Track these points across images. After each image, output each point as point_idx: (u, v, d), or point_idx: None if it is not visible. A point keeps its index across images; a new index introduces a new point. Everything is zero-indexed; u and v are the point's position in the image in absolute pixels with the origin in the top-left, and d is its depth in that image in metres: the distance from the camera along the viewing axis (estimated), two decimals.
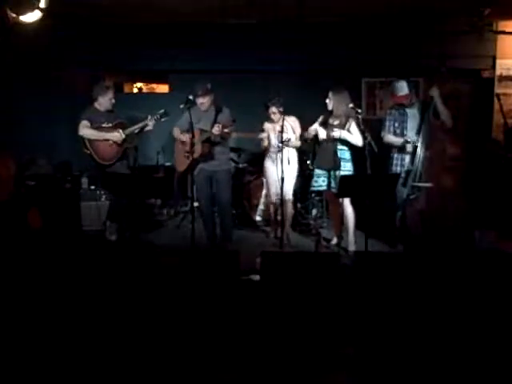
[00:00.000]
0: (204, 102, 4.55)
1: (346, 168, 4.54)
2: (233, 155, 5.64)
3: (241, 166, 6.00)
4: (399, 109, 4.60)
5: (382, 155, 4.25)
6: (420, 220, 4.45)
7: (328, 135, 4.51)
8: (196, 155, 4.52)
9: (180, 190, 6.13)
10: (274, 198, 4.97)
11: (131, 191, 4.67)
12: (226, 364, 2.72)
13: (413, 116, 4.54)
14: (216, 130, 4.40)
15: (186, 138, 4.49)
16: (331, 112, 4.56)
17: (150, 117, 4.74)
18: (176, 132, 4.67)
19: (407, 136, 4.47)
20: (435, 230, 4.39)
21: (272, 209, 5.10)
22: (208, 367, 2.69)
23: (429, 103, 4.42)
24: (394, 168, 4.61)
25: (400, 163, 4.58)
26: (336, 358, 2.79)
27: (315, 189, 4.81)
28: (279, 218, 4.93)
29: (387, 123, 4.65)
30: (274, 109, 4.76)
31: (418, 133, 4.44)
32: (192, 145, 4.32)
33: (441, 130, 4.41)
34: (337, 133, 4.45)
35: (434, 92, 4.37)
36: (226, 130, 4.40)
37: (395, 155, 4.62)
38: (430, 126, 4.41)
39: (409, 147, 4.46)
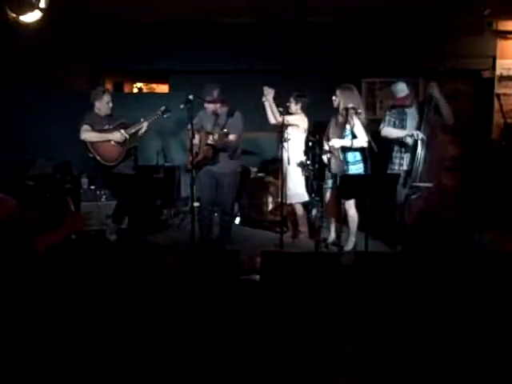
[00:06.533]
0: (210, 107, 4.56)
1: (354, 171, 4.48)
2: None
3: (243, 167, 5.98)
4: (399, 109, 4.60)
5: (381, 155, 4.24)
6: (420, 220, 4.45)
7: (328, 146, 4.51)
8: (200, 157, 4.52)
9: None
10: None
11: (132, 192, 4.70)
12: (225, 364, 2.72)
13: (411, 115, 4.54)
14: (210, 139, 4.42)
15: (196, 138, 4.50)
16: (337, 110, 4.55)
17: (142, 119, 4.76)
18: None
19: (413, 132, 4.41)
20: (435, 230, 4.39)
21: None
22: (208, 367, 2.69)
23: (428, 102, 4.41)
24: (394, 167, 4.60)
25: (399, 162, 4.58)
26: (336, 358, 2.79)
27: (326, 191, 4.80)
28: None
29: (387, 118, 4.64)
30: (292, 99, 4.78)
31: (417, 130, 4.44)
32: (198, 146, 4.40)
33: (441, 130, 4.42)
34: (332, 143, 4.44)
35: (434, 90, 4.36)
36: (229, 139, 4.37)
37: (394, 154, 4.62)
38: (429, 125, 4.41)
39: (410, 141, 4.43)
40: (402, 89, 4.49)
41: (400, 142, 4.54)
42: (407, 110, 4.55)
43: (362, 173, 4.48)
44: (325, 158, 4.62)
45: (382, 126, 4.66)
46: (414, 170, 4.42)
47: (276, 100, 4.72)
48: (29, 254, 3.65)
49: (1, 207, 3.88)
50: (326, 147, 4.56)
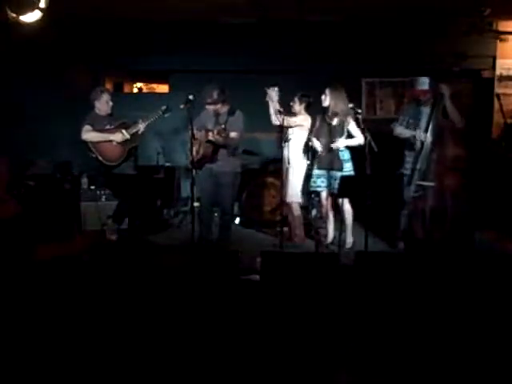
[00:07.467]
0: (210, 108, 4.56)
1: (346, 168, 4.56)
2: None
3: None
4: (415, 107, 4.59)
5: (383, 155, 4.24)
6: (421, 219, 4.46)
7: (328, 147, 4.52)
8: (200, 155, 4.53)
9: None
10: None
11: (133, 192, 4.71)
12: (225, 364, 2.72)
13: (426, 115, 4.52)
14: (210, 135, 4.42)
15: (197, 137, 4.49)
16: (325, 109, 4.57)
17: (140, 120, 4.75)
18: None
19: (417, 133, 4.44)
20: (436, 229, 4.39)
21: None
22: (208, 367, 2.69)
23: (439, 101, 4.40)
24: (406, 166, 4.58)
25: (411, 161, 4.56)
26: (336, 358, 2.79)
27: (313, 189, 4.81)
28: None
29: (401, 117, 4.65)
30: (296, 99, 4.78)
31: (425, 130, 4.43)
32: (199, 144, 4.42)
33: (448, 130, 4.41)
34: (338, 144, 4.47)
35: (445, 90, 4.36)
36: (230, 136, 4.37)
37: (407, 153, 4.61)
38: (438, 125, 4.40)
39: (417, 143, 4.45)
40: (424, 82, 4.46)
41: (410, 143, 4.54)
42: (423, 108, 4.53)
43: (352, 172, 4.56)
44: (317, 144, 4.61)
45: (394, 124, 4.67)
46: (419, 168, 4.42)
47: (278, 100, 4.72)
48: (30, 257, 3.66)
49: (4, 207, 3.91)
50: (319, 148, 4.58)
